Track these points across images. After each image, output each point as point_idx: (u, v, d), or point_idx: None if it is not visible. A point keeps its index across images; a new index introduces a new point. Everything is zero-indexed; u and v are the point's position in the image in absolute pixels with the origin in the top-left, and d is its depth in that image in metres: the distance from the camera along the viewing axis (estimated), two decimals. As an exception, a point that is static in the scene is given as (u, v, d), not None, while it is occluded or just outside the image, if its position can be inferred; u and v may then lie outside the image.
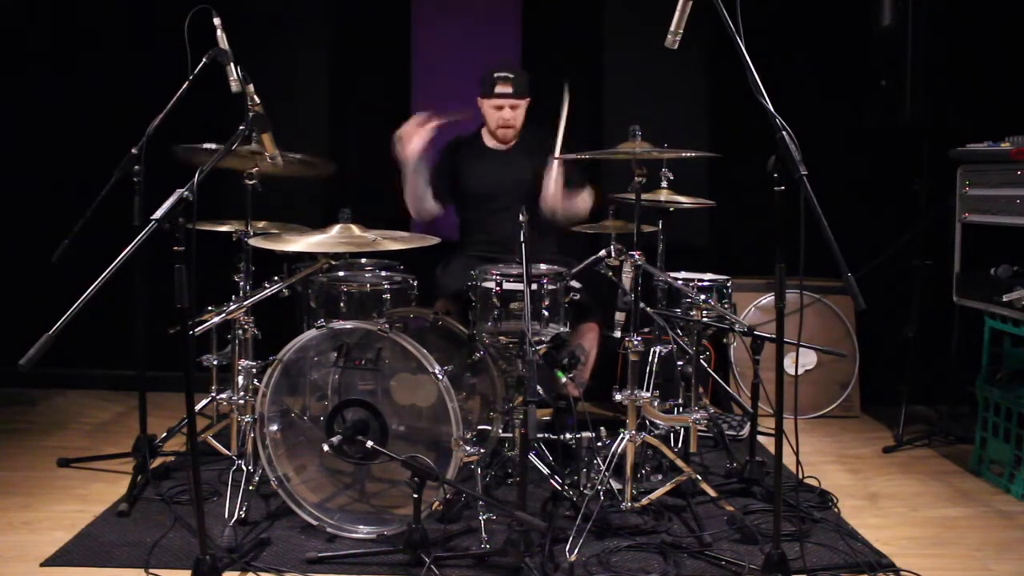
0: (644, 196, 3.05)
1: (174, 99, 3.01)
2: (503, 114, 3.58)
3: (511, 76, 3.56)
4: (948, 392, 3.93)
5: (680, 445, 3.38)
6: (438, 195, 3.68)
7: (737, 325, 3.17)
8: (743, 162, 3.18)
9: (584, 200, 3.70)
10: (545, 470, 3.00)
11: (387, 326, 2.69)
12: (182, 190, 2.13)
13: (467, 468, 2.77)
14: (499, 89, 3.55)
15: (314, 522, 2.72)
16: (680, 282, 3.18)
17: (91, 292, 1.95)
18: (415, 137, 3.46)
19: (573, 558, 2.47)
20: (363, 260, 3.45)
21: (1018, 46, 3.94)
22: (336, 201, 3.00)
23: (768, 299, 4.26)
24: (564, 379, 2.97)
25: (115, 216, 3.04)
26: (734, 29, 2.15)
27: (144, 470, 3.06)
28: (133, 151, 3.07)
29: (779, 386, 2.24)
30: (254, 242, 2.93)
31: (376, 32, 4.44)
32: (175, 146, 3.03)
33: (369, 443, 2.57)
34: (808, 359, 4.21)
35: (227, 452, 3.11)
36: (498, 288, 2.80)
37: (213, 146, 3.01)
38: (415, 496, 2.43)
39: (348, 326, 2.76)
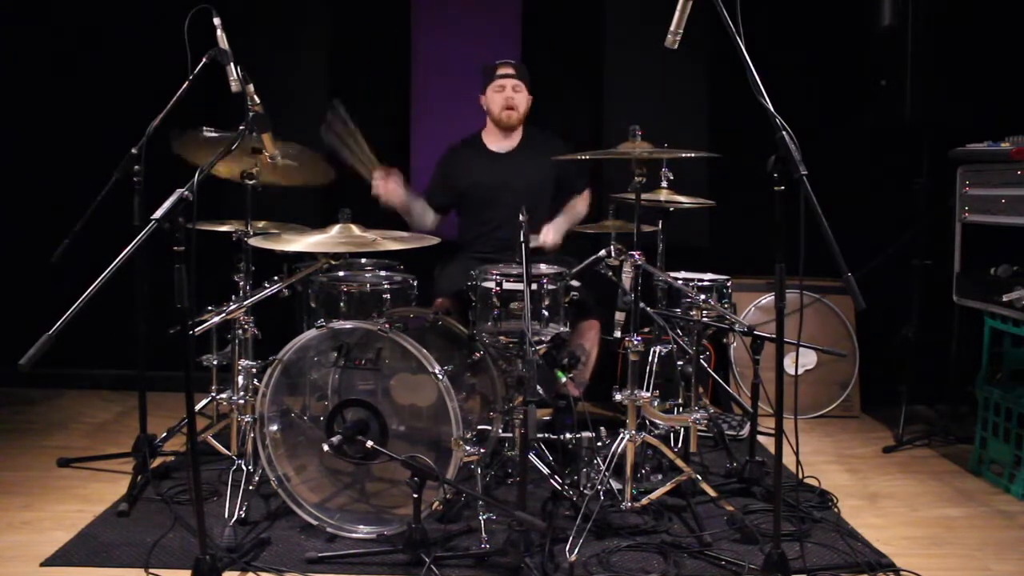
0: (644, 196, 3.05)
1: (174, 99, 3.01)
2: (506, 94, 3.62)
3: (512, 62, 3.67)
4: (948, 392, 3.93)
5: (680, 445, 3.38)
6: (439, 207, 3.73)
7: (737, 325, 3.17)
8: (743, 162, 3.18)
9: (581, 205, 3.74)
10: (545, 470, 3.00)
11: (387, 326, 2.69)
12: (182, 190, 2.13)
13: (467, 468, 2.77)
14: (501, 71, 3.63)
15: (314, 522, 2.72)
16: (680, 282, 3.18)
17: (91, 292, 1.95)
18: (389, 184, 3.52)
19: (573, 558, 2.47)
20: (363, 260, 3.45)
21: (1018, 46, 3.94)
22: (336, 201, 3.00)
23: (768, 299, 4.26)
24: (564, 379, 2.98)
25: (115, 216, 3.04)
26: (734, 29, 2.15)
27: (144, 470, 3.06)
28: (133, 151, 3.07)
29: (779, 386, 2.24)
30: (254, 242, 2.93)
31: (376, 32, 4.44)
32: (173, 130, 3.02)
33: (369, 443, 2.57)
34: (808, 359, 4.21)
35: (227, 452, 3.11)
36: (498, 288, 2.80)
37: (213, 134, 3.01)
38: (415, 496, 2.44)
39: (348, 326, 2.76)
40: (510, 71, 3.63)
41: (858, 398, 4.29)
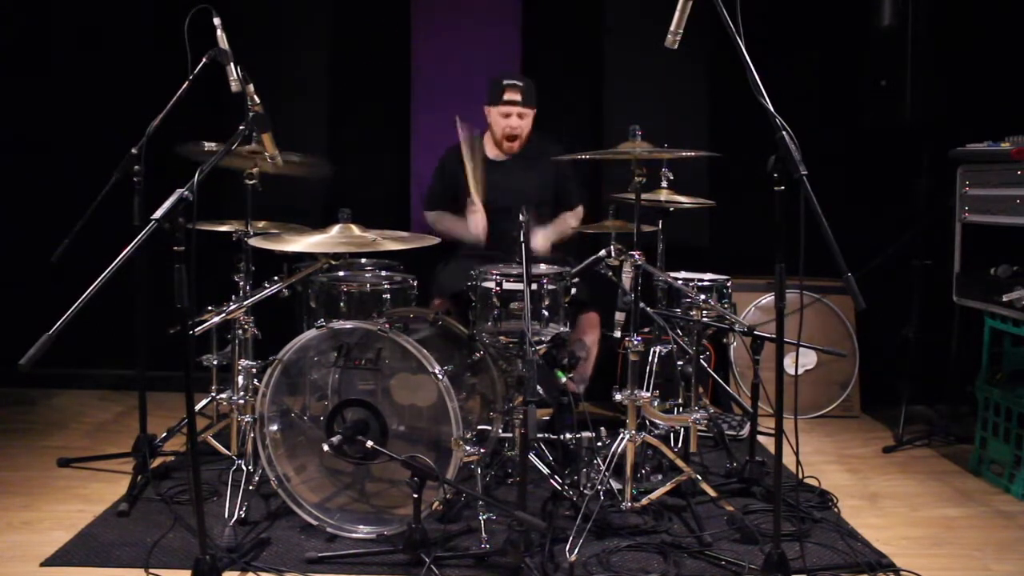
0: (644, 196, 3.05)
1: (174, 99, 3.02)
2: (511, 122, 3.56)
3: (520, 84, 3.55)
4: (948, 392, 3.93)
5: (680, 445, 3.38)
6: (443, 203, 3.72)
7: (737, 325, 3.17)
8: (743, 162, 3.18)
9: (571, 220, 3.72)
10: (545, 470, 3.00)
11: (387, 326, 2.69)
12: (182, 190, 2.13)
13: (467, 468, 2.77)
14: (508, 96, 3.54)
15: (314, 522, 2.72)
16: (680, 282, 3.18)
17: (91, 292, 1.95)
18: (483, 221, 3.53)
19: (573, 558, 2.47)
20: (363, 260, 3.45)
21: (1018, 46, 3.94)
22: (336, 201, 3.00)
23: (768, 299, 4.26)
24: (564, 379, 2.97)
25: (115, 216, 3.04)
26: (734, 29, 2.15)
27: (144, 470, 3.06)
28: (133, 151, 3.08)
29: (779, 386, 2.24)
30: (254, 242, 2.93)
31: (376, 32, 4.44)
32: (178, 146, 3.04)
33: (369, 443, 2.57)
34: (808, 359, 4.21)
35: (227, 452, 3.11)
36: (498, 288, 2.80)
37: (213, 146, 3.02)
38: (415, 496, 2.43)
39: (348, 326, 2.76)
40: (517, 96, 3.52)
41: (858, 398, 4.29)
